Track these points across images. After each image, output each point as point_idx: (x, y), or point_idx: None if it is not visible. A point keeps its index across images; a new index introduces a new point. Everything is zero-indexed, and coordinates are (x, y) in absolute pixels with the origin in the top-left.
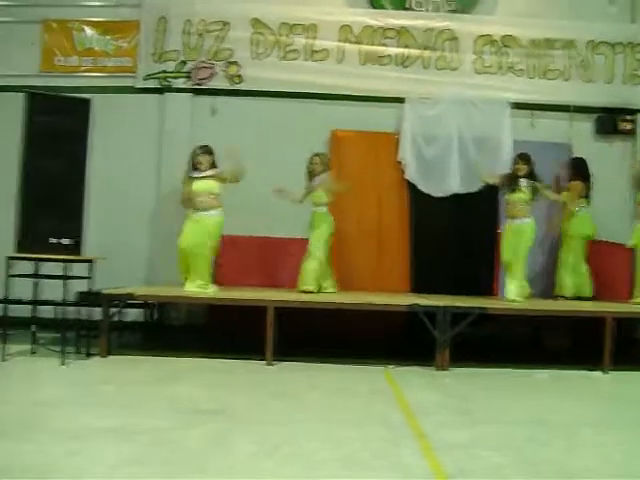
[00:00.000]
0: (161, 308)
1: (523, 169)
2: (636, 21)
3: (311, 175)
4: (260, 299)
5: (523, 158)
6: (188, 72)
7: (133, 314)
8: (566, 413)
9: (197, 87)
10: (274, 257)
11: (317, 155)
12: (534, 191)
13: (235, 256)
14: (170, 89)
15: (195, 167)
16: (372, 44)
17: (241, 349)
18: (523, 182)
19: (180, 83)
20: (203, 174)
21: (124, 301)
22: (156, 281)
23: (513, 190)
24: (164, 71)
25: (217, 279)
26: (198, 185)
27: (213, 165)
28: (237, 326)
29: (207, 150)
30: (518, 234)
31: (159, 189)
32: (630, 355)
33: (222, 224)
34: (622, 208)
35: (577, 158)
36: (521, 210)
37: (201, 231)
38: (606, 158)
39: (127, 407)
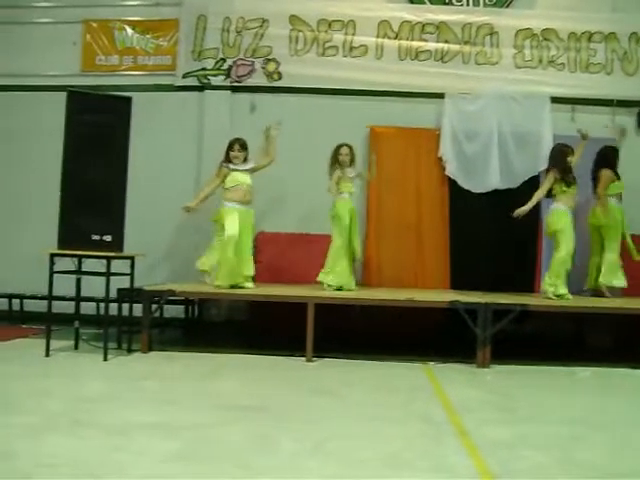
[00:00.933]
0: (201, 304)
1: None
2: None
3: (339, 165)
4: (301, 295)
5: (572, 150)
6: (227, 69)
7: (174, 310)
8: (611, 412)
9: (236, 84)
10: (310, 253)
11: (346, 145)
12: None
13: (272, 253)
14: (209, 87)
15: (230, 160)
16: (411, 39)
17: (281, 345)
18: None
19: (219, 80)
20: (243, 167)
21: (165, 298)
22: (195, 278)
23: (572, 183)
24: (203, 69)
25: (257, 277)
26: (242, 177)
27: (245, 160)
28: (277, 322)
29: (245, 145)
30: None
31: (199, 186)
32: None
33: None
34: None
35: (606, 147)
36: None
37: (249, 225)
38: None
39: (170, 403)
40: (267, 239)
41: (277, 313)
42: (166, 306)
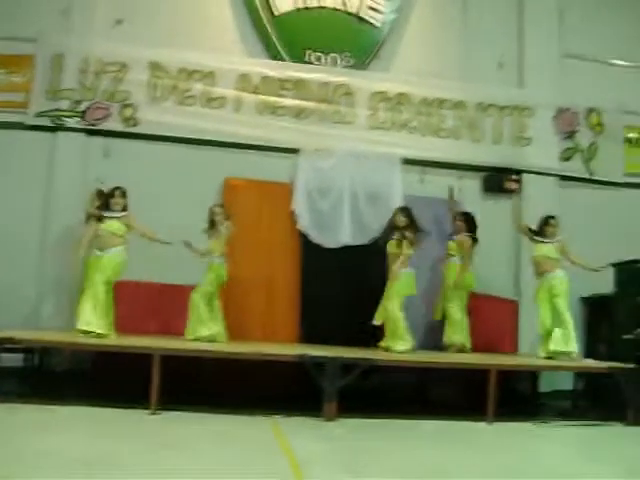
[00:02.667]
0: (43, 353)
1: (403, 221)
2: (522, 86)
3: (213, 225)
4: (146, 346)
5: (403, 211)
6: (82, 112)
7: (13, 359)
8: (451, 464)
9: (91, 127)
10: (167, 304)
11: (218, 206)
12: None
13: (126, 302)
14: (63, 128)
15: (108, 207)
16: (269, 94)
17: (126, 397)
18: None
19: (74, 122)
20: (117, 214)
21: (3, 345)
22: (41, 325)
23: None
24: (58, 109)
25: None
26: (107, 225)
27: (124, 208)
28: (123, 373)
29: (125, 192)
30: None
31: (47, 230)
32: (513, 406)
33: (124, 263)
34: (506, 264)
35: (468, 212)
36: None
37: (103, 270)
38: (492, 215)
39: (1, 457)
40: (119, 287)
41: (123, 363)
42: (5, 354)
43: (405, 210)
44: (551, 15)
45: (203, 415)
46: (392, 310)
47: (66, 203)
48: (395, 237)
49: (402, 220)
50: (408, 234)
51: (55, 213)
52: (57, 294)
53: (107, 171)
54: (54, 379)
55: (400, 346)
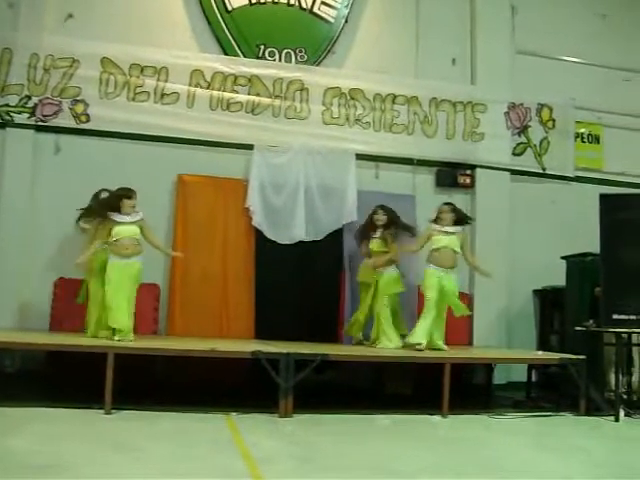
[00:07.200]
0: None
1: (382, 219)
2: (475, 82)
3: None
4: (100, 345)
5: (383, 208)
6: (32, 108)
7: None
8: (406, 458)
9: (41, 124)
10: None
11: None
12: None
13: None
14: (11, 124)
15: (118, 210)
16: (223, 90)
17: (79, 397)
18: (377, 233)
19: (23, 118)
20: (131, 219)
21: None
22: None
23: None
24: (6, 105)
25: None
26: (124, 229)
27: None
28: (76, 372)
29: (135, 195)
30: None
31: None
32: (468, 398)
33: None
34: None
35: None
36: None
37: (131, 278)
38: None
39: None
40: (67, 285)
41: (76, 363)
42: None
43: (385, 208)
44: (504, 12)
45: (158, 413)
46: (379, 309)
47: (16, 200)
48: (378, 236)
49: (382, 218)
50: (391, 232)
51: (5, 211)
52: (4, 293)
53: (58, 168)
54: (6, 380)
55: (386, 343)
